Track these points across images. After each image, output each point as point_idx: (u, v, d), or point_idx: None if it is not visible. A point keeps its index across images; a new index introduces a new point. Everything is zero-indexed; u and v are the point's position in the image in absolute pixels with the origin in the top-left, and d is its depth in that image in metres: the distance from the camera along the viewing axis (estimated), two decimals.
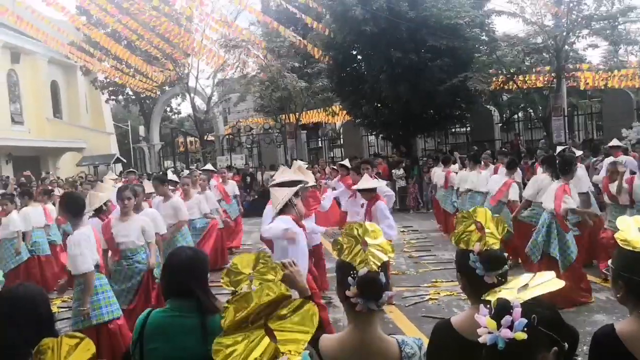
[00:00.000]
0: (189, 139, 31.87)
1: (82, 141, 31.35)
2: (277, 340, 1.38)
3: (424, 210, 16.84)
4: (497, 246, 2.30)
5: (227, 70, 24.50)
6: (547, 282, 1.44)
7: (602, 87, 20.34)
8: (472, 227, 2.34)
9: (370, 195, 6.83)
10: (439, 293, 7.33)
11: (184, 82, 26.11)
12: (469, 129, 23.77)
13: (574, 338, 1.49)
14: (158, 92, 28.67)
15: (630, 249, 1.99)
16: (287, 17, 23.00)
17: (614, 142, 10.61)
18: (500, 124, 23.44)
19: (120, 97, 33.73)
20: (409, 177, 17.53)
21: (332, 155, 28.22)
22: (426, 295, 7.29)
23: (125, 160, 31.81)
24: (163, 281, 2.73)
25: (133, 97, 33.13)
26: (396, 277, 8.19)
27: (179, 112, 39.46)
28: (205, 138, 27.36)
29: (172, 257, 2.73)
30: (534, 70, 20.01)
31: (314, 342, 1.94)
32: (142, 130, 35.99)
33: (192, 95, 26.38)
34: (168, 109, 36.24)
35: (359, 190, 6.97)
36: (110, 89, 32.00)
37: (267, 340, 1.38)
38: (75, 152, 31.11)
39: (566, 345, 1.40)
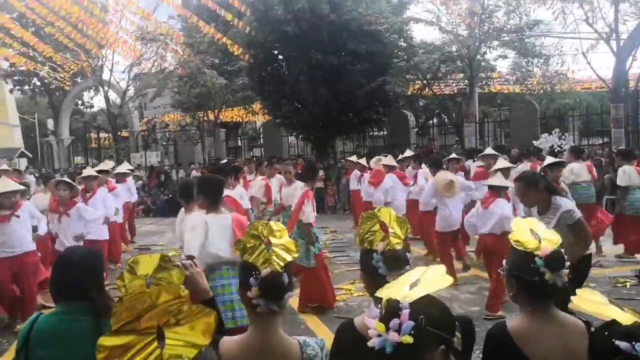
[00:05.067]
0: (102, 134, 30.51)
1: None
2: (166, 345, 1.30)
3: (340, 211, 17.06)
4: (400, 246, 2.33)
5: (143, 64, 23.67)
6: (437, 278, 1.46)
7: (511, 94, 21.48)
8: (377, 227, 2.36)
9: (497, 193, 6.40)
10: (351, 294, 7.41)
11: (97, 74, 24.94)
12: (386, 132, 24.34)
13: (468, 327, 1.52)
14: (69, 84, 27.24)
15: (522, 249, 2.08)
16: (207, 13, 22.57)
17: (488, 150, 10.21)
18: (416, 129, 24.18)
19: (27, 87, 31.78)
20: (327, 178, 17.68)
21: (251, 154, 27.99)
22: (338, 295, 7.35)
23: (30, 155, 30.02)
24: (53, 282, 2.55)
25: (41, 87, 31.31)
26: None
27: (92, 106, 37.65)
28: (119, 134, 26.25)
29: (65, 256, 2.57)
30: (448, 77, 20.82)
31: (214, 344, 1.88)
32: (50, 123, 34.07)
33: (105, 88, 25.23)
34: (79, 102, 34.54)
35: (490, 187, 6.55)
36: (15, 77, 30.08)
37: (155, 345, 1.30)
38: None
39: (455, 339, 1.42)
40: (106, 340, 1.30)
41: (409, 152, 12.05)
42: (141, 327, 1.31)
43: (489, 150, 9.94)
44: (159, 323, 1.32)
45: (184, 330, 1.32)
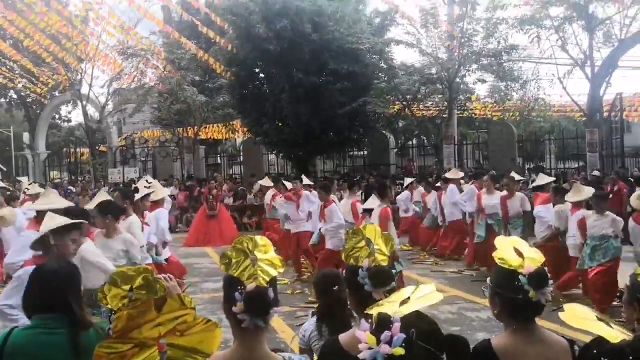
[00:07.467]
0: (80, 149, 30.11)
1: None
2: (167, 356, 1.28)
3: None
4: (386, 263, 2.33)
5: (123, 79, 23.52)
6: (427, 295, 1.46)
7: (489, 117, 21.79)
8: (362, 243, 2.36)
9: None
10: None
11: (76, 88, 24.66)
12: (366, 153, 24.48)
13: (463, 347, 1.52)
14: (48, 97, 26.90)
15: (506, 267, 2.09)
16: (190, 30, 22.60)
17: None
18: (395, 150, 24.35)
19: (3, 100, 31.33)
20: None
21: (231, 172, 27.89)
22: None
23: (5, 169, 29.48)
24: (30, 297, 2.48)
25: (18, 100, 30.88)
26: (290, 297, 8.17)
27: (69, 121, 37.26)
28: (97, 149, 25.91)
29: (44, 269, 2.51)
30: (428, 99, 21.08)
31: None
32: (26, 137, 33.55)
33: (84, 103, 24.95)
34: (57, 116, 34.12)
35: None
36: None
37: (155, 355, 1.28)
38: None
39: (444, 357, 1.42)
40: (104, 348, 1.26)
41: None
42: (142, 336, 1.28)
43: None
44: (161, 334, 1.29)
45: (187, 340, 1.30)
